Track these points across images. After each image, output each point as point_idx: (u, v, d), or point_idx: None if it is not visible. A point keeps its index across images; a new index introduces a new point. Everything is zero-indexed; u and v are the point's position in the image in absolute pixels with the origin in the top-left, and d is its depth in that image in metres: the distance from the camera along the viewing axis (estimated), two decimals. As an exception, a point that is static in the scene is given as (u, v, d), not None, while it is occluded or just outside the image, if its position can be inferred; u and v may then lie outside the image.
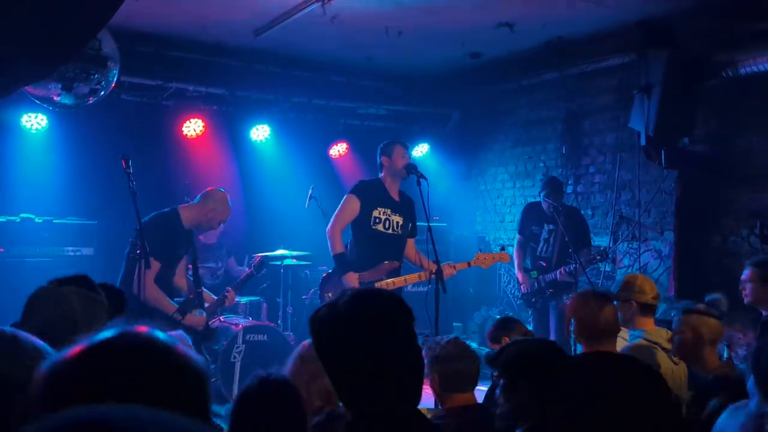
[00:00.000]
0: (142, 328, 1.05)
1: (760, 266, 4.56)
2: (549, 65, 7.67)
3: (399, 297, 1.88)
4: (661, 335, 3.72)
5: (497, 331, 3.82)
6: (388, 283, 5.38)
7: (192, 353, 1.06)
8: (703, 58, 5.95)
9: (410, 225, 5.70)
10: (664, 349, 3.64)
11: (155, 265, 4.92)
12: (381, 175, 5.70)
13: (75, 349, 1.00)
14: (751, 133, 6.10)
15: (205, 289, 5.51)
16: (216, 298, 5.53)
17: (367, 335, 1.72)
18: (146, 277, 4.81)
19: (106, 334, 1.02)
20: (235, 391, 5.65)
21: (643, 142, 6.12)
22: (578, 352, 3.61)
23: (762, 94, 5.96)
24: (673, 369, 3.60)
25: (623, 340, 4.44)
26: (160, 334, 1.05)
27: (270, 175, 8.10)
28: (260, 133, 7.89)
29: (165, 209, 5.25)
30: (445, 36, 7.05)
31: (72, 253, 6.56)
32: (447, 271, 5.33)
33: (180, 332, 3.37)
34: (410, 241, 5.79)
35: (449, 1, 5.98)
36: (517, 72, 8.13)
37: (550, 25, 6.73)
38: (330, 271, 5.68)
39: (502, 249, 5.95)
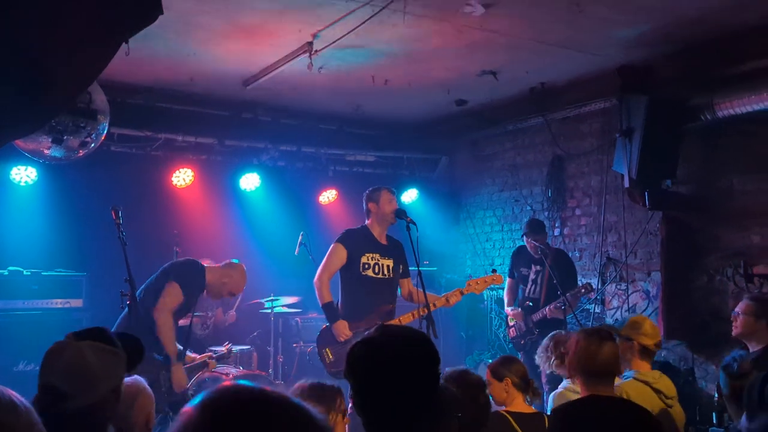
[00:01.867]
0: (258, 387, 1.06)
1: (756, 301, 4.60)
2: (533, 110, 7.83)
3: (426, 337, 2.12)
4: (654, 376, 3.73)
5: (500, 367, 3.84)
6: None
7: (314, 410, 1.06)
8: (682, 101, 6.08)
9: (401, 267, 5.73)
10: (654, 389, 3.65)
11: (180, 295, 5.05)
12: (368, 221, 5.75)
13: (188, 409, 1.01)
14: (732, 174, 6.21)
15: (189, 351, 5.55)
16: (197, 357, 5.61)
17: (393, 370, 1.96)
18: (168, 299, 4.93)
19: (217, 390, 1.04)
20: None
21: (626, 184, 6.21)
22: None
23: (740, 136, 6.08)
24: (664, 410, 3.61)
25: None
26: (280, 393, 1.06)
27: (260, 223, 8.13)
28: (250, 181, 7.94)
29: (197, 260, 5.55)
30: (430, 84, 7.19)
31: (61, 306, 6.54)
32: (452, 300, 5.57)
33: (135, 377, 3.35)
34: (405, 282, 5.81)
35: (433, 50, 6.12)
36: (502, 117, 8.29)
37: (533, 72, 6.89)
38: (326, 324, 5.63)
39: (494, 271, 5.95)
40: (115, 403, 2.40)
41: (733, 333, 4.65)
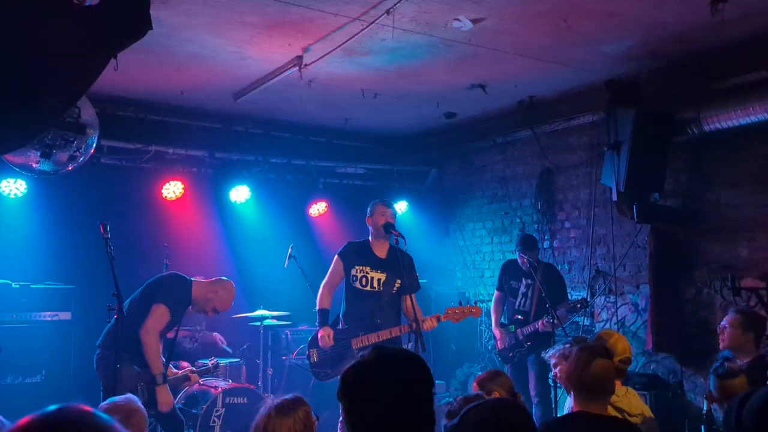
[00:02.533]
0: (86, 408, 1.13)
1: (743, 313, 4.61)
2: (522, 123, 7.87)
3: (421, 360, 2.09)
4: (618, 393, 3.72)
5: (488, 381, 3.85)
6: (362, 339, 5.47)
7: None
8: (669, 115, 6.12)
9: (397, 281, 5.68)
10: (616, 408, 3.64)
11: (166, 315, 5.05)
12: (369, 234, 5.81)
13: (21, 421, 1.07)
14: (719, 187, 6.26)
15: (171, 365, 5.54)
16: (179, 372, 5.61)
17: (386, 393, 1.95)
18: (155, 321, 4.94)
19: (52, 408, 1.11)
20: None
21: (614, 197, 6.24)
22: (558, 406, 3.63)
23: (726, 150, 6.14)
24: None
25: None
26: (102, 415, 1.12)
27: (250, 236, 8.12)
28: (240, 193, 7.93)
29: (183, 275, 5.51)
30: (420, 97, 7.23)
31: (50, 318, 6.51)
32: (427, 325, 5.47)
33: (128, 395, 3.37)
34: (406, 298, 5.63)
35: (422, 63, 6.16)
36: (492, 130, 8.33)
37: (521, 85, 6.94)
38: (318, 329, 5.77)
39: (476, 303, 5.95)
40: None
41: (720, 346, 4.66)
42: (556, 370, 4.22)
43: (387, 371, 1.99)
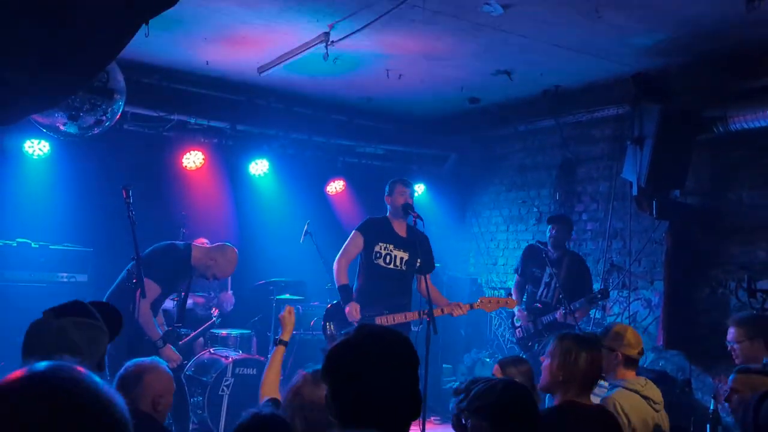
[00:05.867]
0: (80, 368, 1.11)
1: (744, 324, 4.42)
2: (546, 113, 7.82)
3: (406, 339, 2.06)
4: (641, 383, 3.73)
5: (509, 365, 3.89)
6: (388, 318, 5.44)
7: (119, 401, 1.10)
8: (695, 112, 6.07)
9: (418, 261, 5.69)
10: (643, 396, 3.65)
11: (156, 290, 5.07)
12: (388, 212, 5.81)
13: (12, 374, 1.06)
14: (741, 188, 6.21)
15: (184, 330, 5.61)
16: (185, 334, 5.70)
17: (372, 371, 1.91)
18: (143, 300, 4.96)
19: (43, 365, 1.09)
20: (223, 424, 5.65)
21: (634, 192, 6.21)
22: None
23: (751, 150, 6.09)
24: (653, 416, 3.62)
25: (603, 389, 4.41)
26: (95, 377, 1.10)
27: (266, 210, 8.16)
28: (259, 167, 7.96)
29: (180, 242, 5.51)
30: (444, 80, 7.20)
31: (66, 280, 6.58)
32: (456, 311, 5.48)
33: (154, 357, 3.43)
34: (423, 278, 5.64)
35: (449, 47, 6.13)
36: (514, 118, 8.29)
37: (547, 74, 6.90)
38: (333, 302, 5.79)
39: (509, 295, 5.95)
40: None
41: (737, 362, 4.46)
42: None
43: (372, 349, 1.95)
